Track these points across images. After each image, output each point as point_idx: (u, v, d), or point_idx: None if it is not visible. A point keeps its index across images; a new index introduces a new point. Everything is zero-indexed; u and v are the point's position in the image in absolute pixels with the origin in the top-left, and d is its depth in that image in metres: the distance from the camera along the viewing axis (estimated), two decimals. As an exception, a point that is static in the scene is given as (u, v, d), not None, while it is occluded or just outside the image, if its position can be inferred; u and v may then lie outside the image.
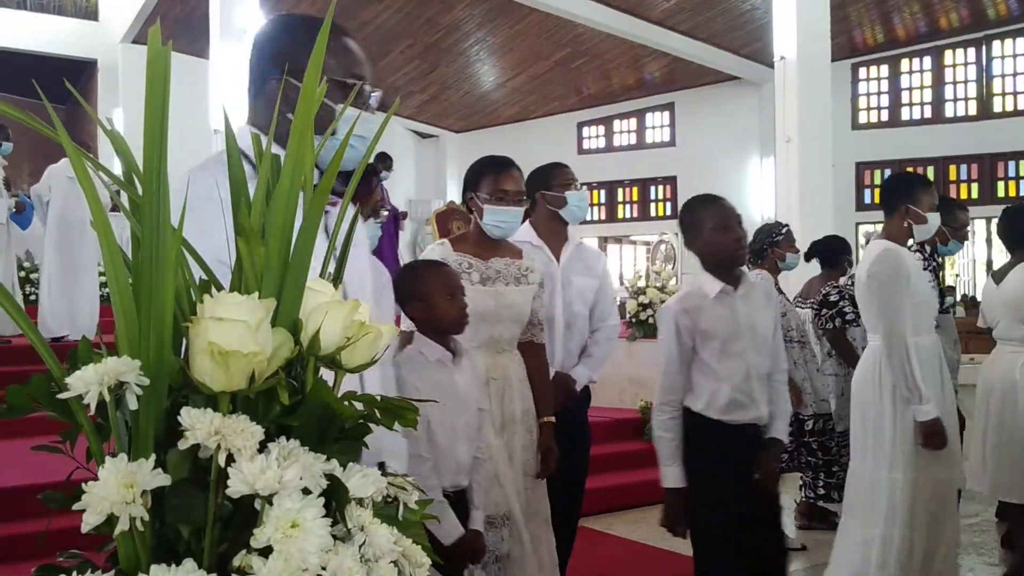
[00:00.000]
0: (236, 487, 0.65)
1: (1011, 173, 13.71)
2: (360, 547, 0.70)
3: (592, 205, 15.79)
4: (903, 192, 3.24)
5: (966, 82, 13.99)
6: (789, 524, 4.43)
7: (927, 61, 14.23)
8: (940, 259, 4.56)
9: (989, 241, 13.42)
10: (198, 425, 0.67)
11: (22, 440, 4.62)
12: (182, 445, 0.67)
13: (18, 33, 13.34)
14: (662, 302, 6.29)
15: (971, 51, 13.93)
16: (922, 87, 14.32)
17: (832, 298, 4.66)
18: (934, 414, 2.97)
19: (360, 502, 0.72)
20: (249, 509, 0.67)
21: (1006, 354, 3.77)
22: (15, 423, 4.49)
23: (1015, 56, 13.73)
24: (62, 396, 0.68)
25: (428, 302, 2.29)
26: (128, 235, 0.76)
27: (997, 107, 13.81)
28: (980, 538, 4.39)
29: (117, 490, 0.64)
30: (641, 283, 6.52)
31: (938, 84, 14.17)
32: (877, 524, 3.05)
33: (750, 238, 3.99)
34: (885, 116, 14.62)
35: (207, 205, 1.12)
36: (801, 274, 5.18)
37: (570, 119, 16.94)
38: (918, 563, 3.02)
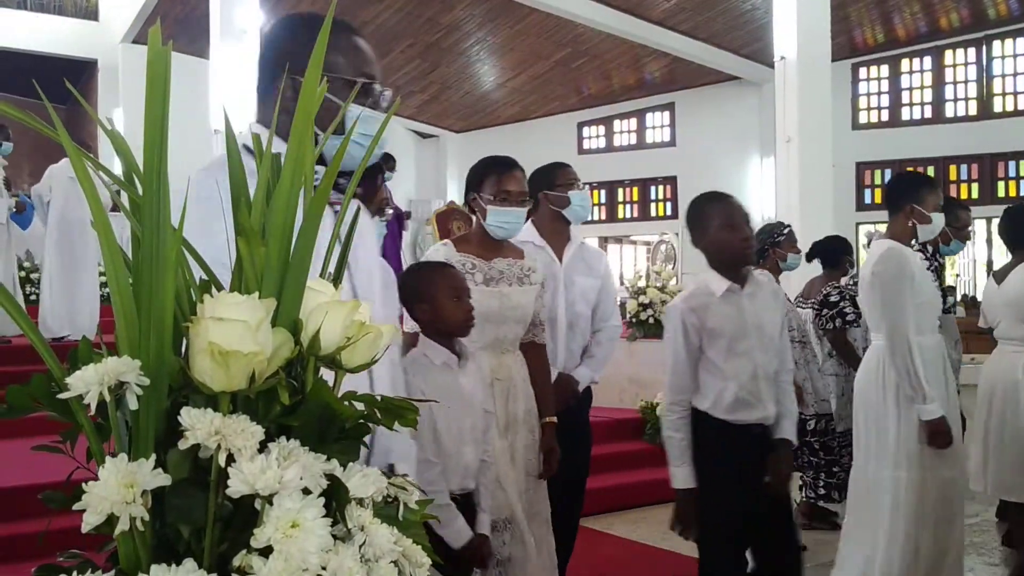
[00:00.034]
0: (236, 487, 0.65)
1: (1011, 173, 13.71)
2: (360, 547, 0.70)
3: (592, 205, 15.79)
4: (908, 192, 3.23)
5: (966, 82, 13.99)
6: (789, 524, 4.42)
7: (927, 61, 14.23)
8: (942, 259, 4.56)
9: (989, 241, 13.43)
10: (198, 425, 0.67)
11: (22, 440, 4.62)
12: (182, 445, 0.67)
13: (18, 33, 13.34)
14: (662, 302, 6.29)
15: (971, 51, 13.93)
16: (922, 87, 14.33)
17: (833, 298, 4.66)
18: (939, 413, 2.96)
19: (360, 502, 0.72)
20: (249, 509, 0.67)
21: (1007, 354, 3.77)
22: (15, 423, 4.48)
23: (1015, 56, 13.74)
24: (62, 396, 0.68)
25: (434, 304, 2.27)
26: (128, 235, 0.76)
27: (997, 107, 13.81)
28: (980, 538, 4.39)
29: (117, 490, 0.64)
30: (641, 283, 6.52)
31: (938, 84, 14.18)
32: (882, 524, 3.04)
33: (752, 238, 3.97)
34: (885, 116, 14.63)
35: (207, 205, 1.12)
36: (802, 274, 5.18)
37: (570, 119, 16.95)
38: (926, 563, 3.00)
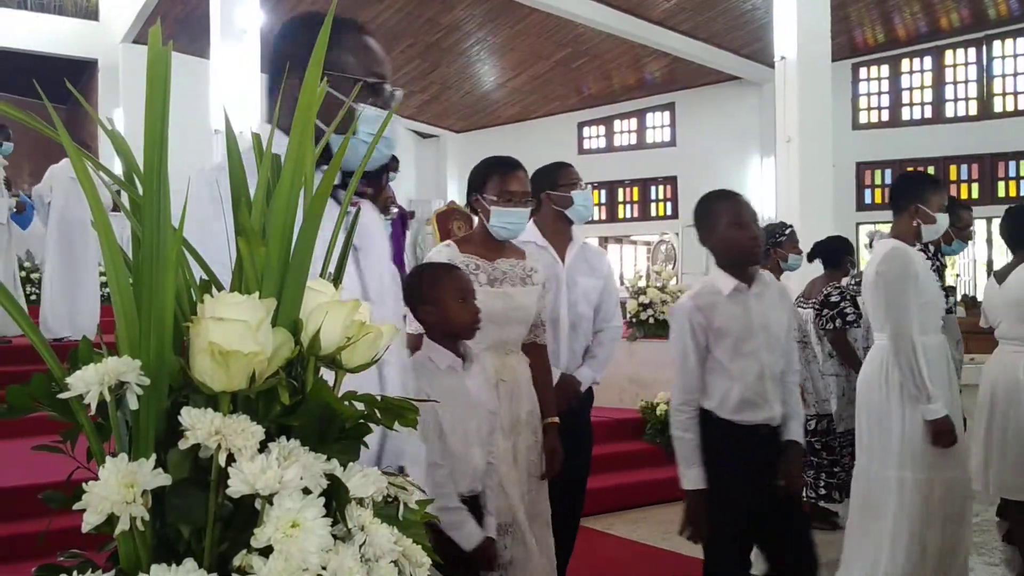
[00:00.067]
0: (236, 487, 0.65)
1: (1011, 173, 13.72)
2: (360, 547, 0.70)
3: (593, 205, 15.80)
4: (913, 191, 3.22)
5: (967, 82, 14.00)
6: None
7: (927, 61, 14.23)
8: (944, 259, 4.56)
9: (990, 241, 13.43)
10: (198, 425, 0.67)
11: (23, 440, 4.62)
12: (182, 445, 0.67)
13: (19, 33, 13.35)
14: (662, 302, 6.29)
15: (971, 51, 13.94)
16: (923, 87, 14.33)
17: (833, 298, 4.66)
18: (943, 412, 2.96)
19: (360, 502, 0.72)
20: (249, 509, 0.67)
21: (1008, 354, 3.77)
22: (15, 423, 4.48)
23: (1015, 56, 13.74)
24: (63, 396, 0.68)
25: (441, 306, 2.24)
26: (129, 235, 0.76)
27: (998, 107, 13.81)
28: (980, 538, 4.38)
29: (117, 490, 0.64)
30: (641, 283, 6.53)
31: (938, 84, 14.18)
32: (887, 524, 3.03)
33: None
34: (885, 116, 14.63)
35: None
36: (802, 275, 5.19)
37: (571, 119, 16.95)
38: (932, 563, 2.99)
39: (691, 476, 2.60)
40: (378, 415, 0.78)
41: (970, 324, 5.00)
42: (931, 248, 4.04)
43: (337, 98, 1.38)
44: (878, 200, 14.49)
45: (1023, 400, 3.63)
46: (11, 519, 3.71)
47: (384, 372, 1.44)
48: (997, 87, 13.81)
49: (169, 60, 0.73)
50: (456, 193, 16.40)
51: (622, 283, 9.78)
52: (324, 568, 0.65)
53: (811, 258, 5.05)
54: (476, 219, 2.81)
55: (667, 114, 16.21)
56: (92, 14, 14.09)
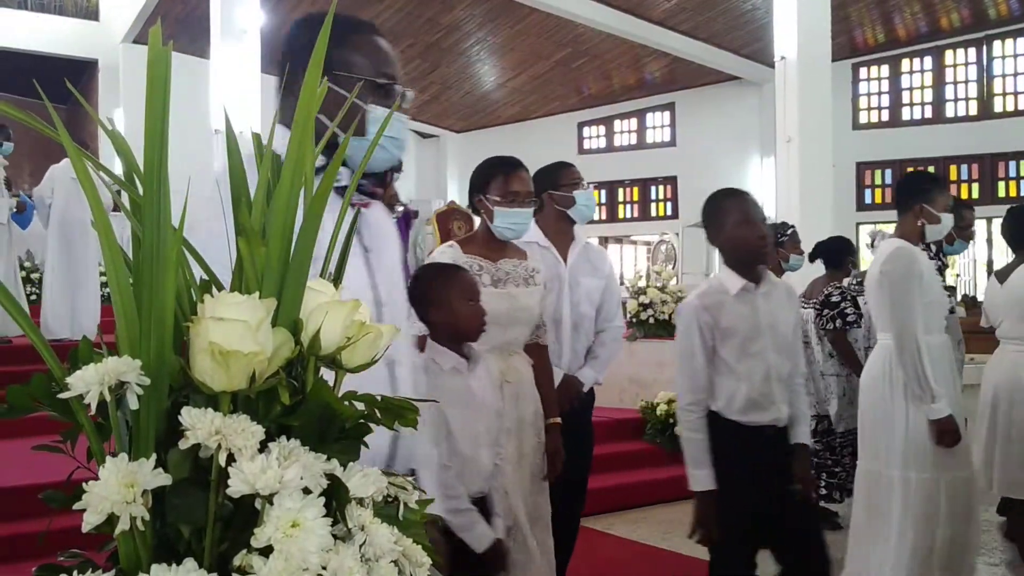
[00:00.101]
0: (237, 487, 0.65)
1: (1012, 173, 13.73)
2: (360, 547, 0.70)
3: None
4: (918, 191, 3.20)
5: (967, 82, 14.01)
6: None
7: (928, 61, 14.24)
8: (945, 259, 4.55)
9: (990, 241, 13.43)
10: (199, 425, 0.67)
11: (23, 440, 4.62)
12: (183, 445, 0.67)
13: (19, 33, 13.36)
14: (663, 302, 6.29)
15: (971, 51, 13.94)
16: (923, 87, 14.34)
17: (834, 299, 4.66)
18: (947, 411, 2.95)
19: (360, 502, 0.72)
20: (250, 509, 0.67)
21: (1010, 353, 3.76)
22: (16, 423, 4.48)
23: (1016, 56, 13.75)
24: (63, 396, 0.68)
25: (449, 307, 2.21)
26: (129, 235, 0.76)
27: (998, 107, 13.82)
28: (981, 538, 4.38)
29: (118, 490, 0.64)
30: (641, 283, 6.52)
31: (939, 84, 14.19)
32: (892, 524, 3.01)
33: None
34: (886, 116, 14.64)
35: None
36: (803, 275, 5.19)
37: (571, 119, 16.97)
38: (940, 563, 2.98)
39: (700, 477, 2.57)
40: (378, 415, 0.78)
41: (970, 324, 4.99)
42: (933, 248, 4.04)
43: (346, 99, 1.38)
44: (878, 200, 14.50)
45: (1027, 398, 3.63)
46: (11, 519, 3.71)
47: (396, 372, 1.43)
48: (997, 87, 13.82)
49: (169, 60, 0.73)
50: (456, 193, 16.41)
51: (622, 283, 9.78)
52: (324, 568, 0.65)
53: (812, 258, 5.05)
54: (478, 220, 2.80)
55: (667, 114, 16.21)
56: (92, 14, 14.10)
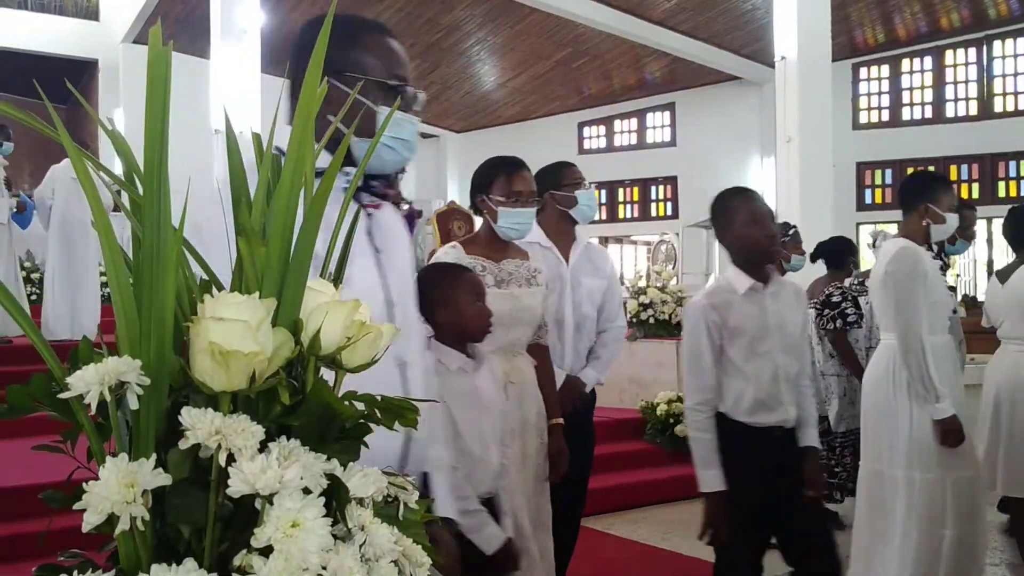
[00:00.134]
0: (237, 487, 0.65)
1: (1012, 173, 13.73)
2: (360, 547, 0.70)
3: (593, 205, 15.79)
4: (923, 191, 3.19)
5: (967, 82, 14.01)
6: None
7: (928, 61, 14.24)
8: (947, 259, 4.55)
9: (990, 241, 13.43)
10: (199, 425, 0.67)
11: (23, 440, 4.62)
12: (183, 445, 0.67)
13: (19, 33, 13.36)
14: (663, 302, 6.29)
15: (972, 51, 13.95)
16: (923, 87, 14.35)
17: (835, 299, 4.66)
18: (950, 411, 2.94)
19: (360, 502, 0.73)
20: (250, 509, 0.67)
21: (1012, 353, 3.76)
22: (16, 423, 4.48)
23: (1016, 56, 13.75)
24: (63, 396, 0.68)
25: (456, 307, 2.19)
26: (129, 235, 0.76)
27: (998, 107, 13.82)
28: (988, 539, 4.39)
29: (118, 490, 0.64)
30: (642, 283, 6.52)
31: (939, 84, 14.19)
32: (897, 525, 3.00)
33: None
34: (886, 116, 14.64)
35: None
36: (804, 275, 5.19)
37: (571, 119, 16.97)
38: (949, 562, 2.96)
39: (709, 478, 2.53)
40: (378, 415, 0.78)
41: (970, 324, 4.99)
42: (934, 248, 4.04)
43: (357, 100, 1.36)
44: (878, 200, 14.50)
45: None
46: (11, 519, 3.71)
47: (408, 374, 1.42)
48: (997, 87, 13.82)
49: (169, 60, 0.73)
50: (456, 193, 16.41)
51: (622, 283, 9.78)
52: (324, 568, 0.65)
53: (814, 258, 5.05)
54: (478, 220, 2.78)
55: (667, 114, 16.22)
56: (92, 14, 14.10)
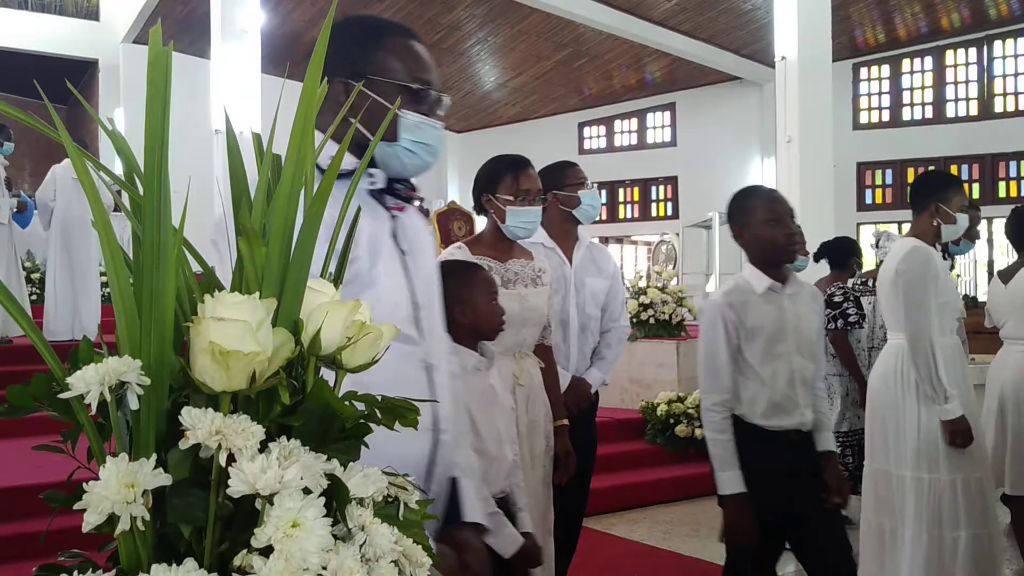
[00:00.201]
0: (237, 487, 0.65)
1: (1012, 173, 13.73)
2: (360, 547, 0.70)
3: (594, 205, 15.79)
4: (934, 190, 3.17)
5: (967, 82, 14.01)
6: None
7: (928, 61, 14.24)
8: (951, 259, 4.55)
9: (990, 241, 13.43)
10: (199, 425, 0.67)
11: (23, 440, 4.63)
12: (183, 445, 0.67)
13: (19, 33, 13.36)
14: (663, 303, 6.29)
15: (972, 51, 13.95)
16: (923, 87, 14.35)
17: (836, 299, 4.66)
18: (959, 412, 2.93)
19: (361, 502, 0.73)
20: (250, 509, 0.67)
21: (1015, 353, 3.75)
22: (16, 423, 4.49)
23: (1016, 56, 13.75)
24: (63, 396, 0.68)
25: (471, 305, 2.16)
26: (129, 235, 0.76)
27: (998, 107, 13.82)
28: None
29: (118, 490, 0.64)
30: (642, 283, 6.52)
31: (939, 84, 14.19)
32: (905, 526, 2.99)
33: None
34: (886, 116, 14.64)
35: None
36: (806, 275, 5.19)
37: (571, 119, 16.97)
38: (967, 562, 2.94)
39: (728, 479, 2.46)
40: (378, 415, 0.78)
41: (971, 324, 4.99)
42: (938, 248, 4.03)
43: (380, 103, 1.36)
44: (878, 200, 14.50)
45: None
46: (12, 519, 3.71)
47: (434, 377, 1.40)
48: (998, 87, 13.82)
49: (170, 60, 0.73)
50: (456, 193, 16.41)
51: (622, 283, 9.77)
52: (324, 568, 0.65)
53: (817, 258, 5.06)
54: (479, 220, 2.77)
55: (668, 114, 16.22)
56: (93, 14, 14.09)
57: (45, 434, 0.73)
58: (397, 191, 1.42)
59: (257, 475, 0.65)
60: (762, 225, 2.52)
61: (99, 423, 0.72)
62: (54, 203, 6.98)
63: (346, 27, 1.45)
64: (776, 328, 2.51)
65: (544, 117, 16.89)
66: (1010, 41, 13.70)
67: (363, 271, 1.32)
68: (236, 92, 8.98)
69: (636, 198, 16.72)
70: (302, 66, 0.88)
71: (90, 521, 0.64)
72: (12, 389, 0.72)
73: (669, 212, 16.14)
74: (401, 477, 0.80)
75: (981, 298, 10.28)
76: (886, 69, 14.55)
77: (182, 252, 0.75)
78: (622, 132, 16.86)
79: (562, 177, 3.07)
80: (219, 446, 0.66)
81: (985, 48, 13.82)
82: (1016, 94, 13.69)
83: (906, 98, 14.47)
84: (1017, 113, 13.63)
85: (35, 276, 8.71)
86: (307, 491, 0.67)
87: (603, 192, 16.32)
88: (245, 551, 0.66)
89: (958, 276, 13.44)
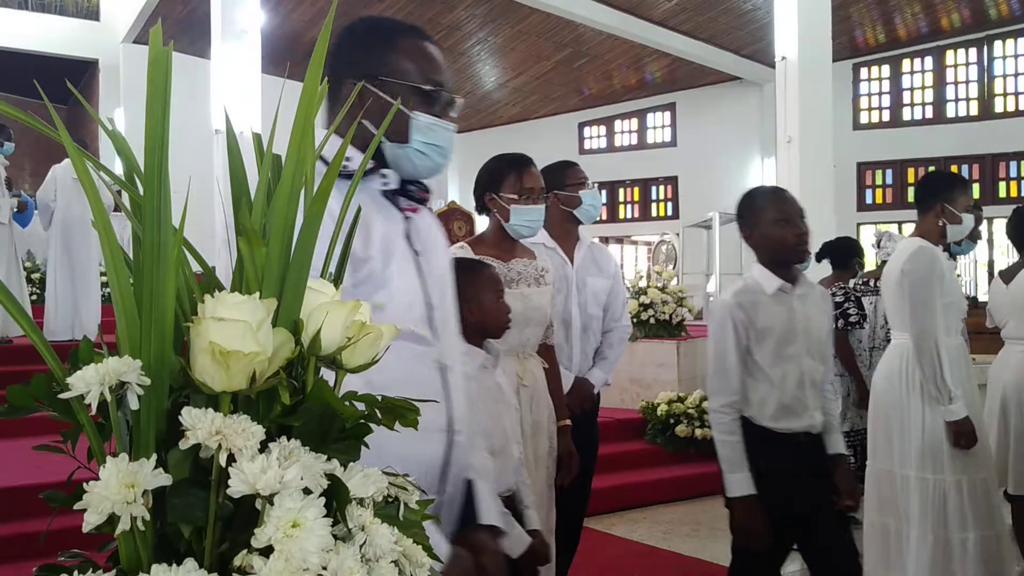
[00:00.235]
0: (237, 487, 0.65)
1: (1012, 173, 13.73)
2: (361, 547, 0.70)
3: (594, 205, 15.79)
4: (940, 190, 3.16)
5: (967, 82, 14.02)
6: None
7: (928, 61, 14.25)
8: (954, 260, 4.54)
9: (991, 241, 13.42)
10: (199, 425, 0.67)
11: (24, 440, 4.63)
12: (183, 445, 0.67)
13: (20, 33, 13.36)
14: (663, 303, 6.29)
15: (972, 51, 13.95)
16: (923, 87, 14.35)
17: (837, 299, 4.66)
18: (964, 413, 2.92)
19: (361, 502, 0.73)
20: (250, 509, 0.67)
21: (1016, 353, 3.74)
22: (16, 423, 4.49)
23: (1016, 56, 13.75)
24: (63, 396, 0.68)
25: (479, 303, 2.16)
26: (129, 235, 0.76)
27: (999, 107, 13.82)
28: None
29: (118, 490, 0.64)
30: (642, 283, 6.52)
31: (939, 84, 14.19)
32: (911, 527, 2.98)
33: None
34: (886, 116, 14.64)
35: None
36: (808, 275, 5.18)
37: (571, 119, 16.97)
38: (975, 563, 2.93)
39: (738, 481, 2.43)
40: (379, 415, 0.78)
41: (971, 325, 4.98)
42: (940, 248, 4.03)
43: (390, 103, 1.35)
44: (879, 200, 14.50)
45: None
46: (12, 519, 3.71)
47: (448, 378, 1.40)
48: (998, 87, 13.82)
49: (170, 60, 0.73)
50: (456, 193, 16.40)
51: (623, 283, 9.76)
52: (324, 568, 0.65)
53: (820, 258, 5.05)
54: (480, 220, 2.76)
55: (668, 114, 16.22)
56: (93, 14, 14.10)
57: (45, 434, 0.73)
58: (410, 192, 1.43)
59: (257, 475, 0.65)
60: (772, 225, 2.50)
61: (99, 423, 0.72)
62: (54, 203, 6.98)
63: (358, 29, 1.45)
64: (786, 329, 2.48)
65: (544, 117, 16.90)
66: (1010, 41, 13.70)
67: (377, 271, 1.32)
68: (236, 92, 8.98)
69: (636, 198, 16.73)
70: (302, 66, 0.88)
71: (90, 521, 0.64)
72: (12, 389, 0.72)
73: (669, 212, 16.14)
74: (401, 477, 0.80)
75: (981, 298, 10.27)
76: (886, 69, 14.55)
77: (182, 252, 0.75)
78: (622, 132, 16.86)
79: (563, 177, 3.07)
80: (219, 446, 0.66)
81: (985, 48, 13.82)
82: (1016, 94, 13.69)
83: (906, 98, 14.47)
84: (1017, 113, 13.63)
85: (35, 276, 8.70)
86: (307, 491, 0.67)
87: (603, 192, 16.32)
88: (245, 551, 0.66)
89: (958, 276, 13.44)
